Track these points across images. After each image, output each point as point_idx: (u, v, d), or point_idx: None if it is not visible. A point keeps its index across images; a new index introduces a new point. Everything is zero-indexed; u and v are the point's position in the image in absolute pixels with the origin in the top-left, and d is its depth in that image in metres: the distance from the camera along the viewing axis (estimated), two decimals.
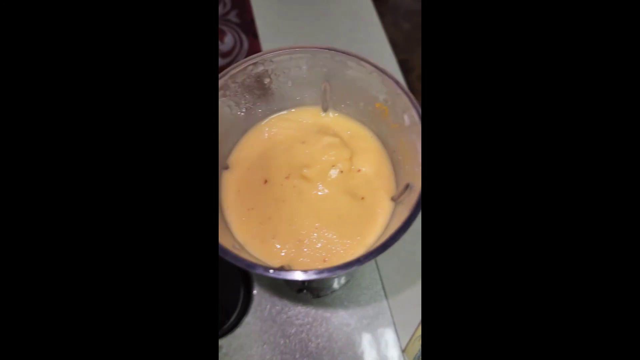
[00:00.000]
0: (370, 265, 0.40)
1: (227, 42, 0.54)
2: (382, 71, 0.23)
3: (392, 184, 0.27)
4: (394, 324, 0.38)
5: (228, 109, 0.26)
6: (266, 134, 0.29)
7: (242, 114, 0.28)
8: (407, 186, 0.24)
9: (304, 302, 0.38)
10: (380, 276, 0.40)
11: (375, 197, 0.26)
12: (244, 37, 0.54)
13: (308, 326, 0.38)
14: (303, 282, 0.37)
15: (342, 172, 0.27)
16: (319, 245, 0.25)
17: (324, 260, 0.25)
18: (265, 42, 0.54)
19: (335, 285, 0.39)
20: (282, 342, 0.37)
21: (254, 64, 0.24)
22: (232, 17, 0.56)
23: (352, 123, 0.29)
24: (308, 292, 0.38)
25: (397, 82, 0.23)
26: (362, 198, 0.26)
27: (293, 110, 0.30)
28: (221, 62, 0.52)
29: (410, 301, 0.39)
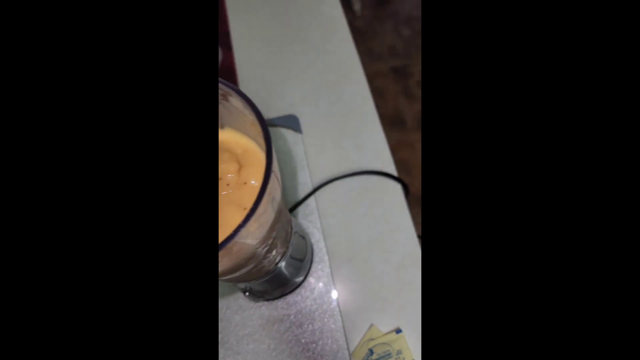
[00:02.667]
0: (323, 278, 0.41)
1: None
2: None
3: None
4: (344, 328, 0.39)
5: None
6: None
7: None
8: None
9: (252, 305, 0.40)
10: (332, 280, 0.40)
11: None
12: (218, 49, 0.57)
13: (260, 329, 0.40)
14: (245, 285, 0.39)
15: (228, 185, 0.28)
16: None
17: None
18: (240, 54, 0.56)
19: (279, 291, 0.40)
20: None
21: None
22: None
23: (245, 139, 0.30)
24: (250, 295, 0.40)
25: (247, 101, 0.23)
26: (245, 209, 0.27)
27: None
28: None
29: (360, 308, 0.39)
